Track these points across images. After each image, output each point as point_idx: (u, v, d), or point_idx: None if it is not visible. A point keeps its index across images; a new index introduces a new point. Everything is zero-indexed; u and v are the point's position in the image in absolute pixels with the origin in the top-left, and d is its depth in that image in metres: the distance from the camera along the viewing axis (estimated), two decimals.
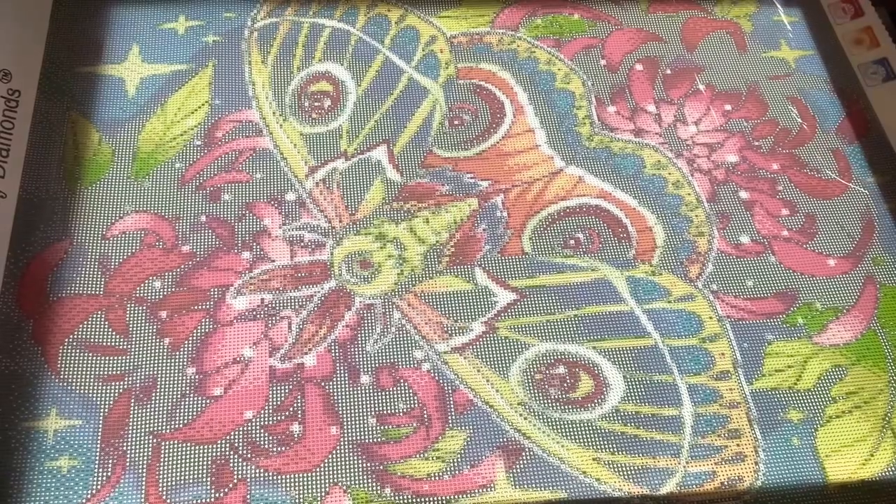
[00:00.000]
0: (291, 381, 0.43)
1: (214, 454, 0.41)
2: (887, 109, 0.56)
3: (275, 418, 0.42)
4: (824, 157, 0.54)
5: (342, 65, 0.55)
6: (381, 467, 0.41)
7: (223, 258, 0.46)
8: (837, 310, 0.48)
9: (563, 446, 0.42)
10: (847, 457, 0.44)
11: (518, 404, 0.43)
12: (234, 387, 0.42)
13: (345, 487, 0.40)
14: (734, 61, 0.58)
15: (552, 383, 0.44)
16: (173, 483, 0.40)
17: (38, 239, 0.45)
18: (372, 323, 0.45)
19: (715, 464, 0.43)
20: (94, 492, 0.39)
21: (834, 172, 0.54)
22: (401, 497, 0.40)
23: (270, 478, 0.40)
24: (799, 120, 0.56)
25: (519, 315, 0.46)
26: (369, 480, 0.41)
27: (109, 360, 0.42)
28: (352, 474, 0.41)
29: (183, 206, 0.48)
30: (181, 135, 0.50)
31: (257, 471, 0.40)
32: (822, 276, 0.50)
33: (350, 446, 0.41)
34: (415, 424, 0.42)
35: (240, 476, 0.40)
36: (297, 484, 0.40)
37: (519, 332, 0.46)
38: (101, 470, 0.40)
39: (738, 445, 0.43)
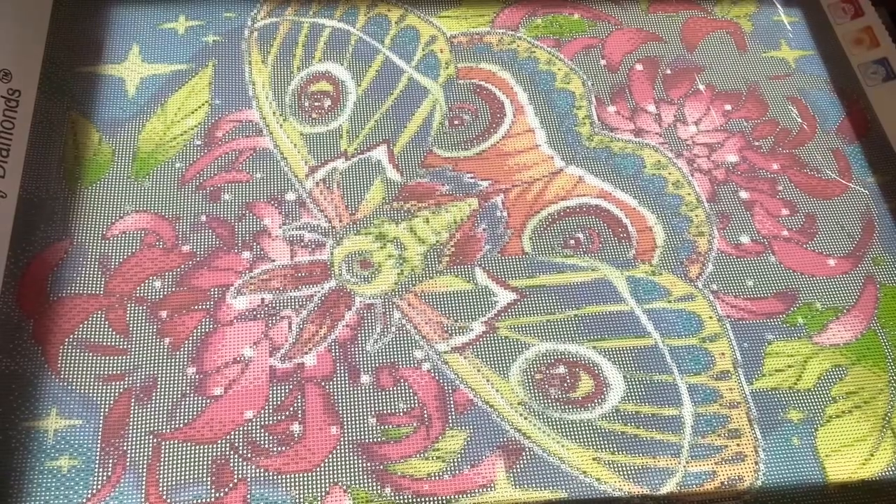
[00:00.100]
0: (292, 380, 0.43)
1: (215, 454, 0.41)
2: (887, 109, 0.56)
3: (275, 418, 0.42)
4: (824, 157, 0.54)
5: (342, 65, 0.55)
6: (382, 467, 0.41)
7: (223, 258, 0.46)
8: (837, 310, 0.48)
9: (563, 446, 0.42)
10: (847, 457, 0.44)
11: (518, 404, 0.43)
12: (234, 386, 0.42)
13: (345, 487, 0.40)
14: (734, 61, 0.58)
15: (552, 383, 0.44)
16: (173, 483, 0.40)
17: (39, 239, 0.45)
18: (372, 323, 0.45)
19: (715, 463, 0.43)
20: (94, 491, 0.39)
21: (834, 172, 0.54)
22: (401, 497, 0.40)
23: (270, 477, 0.40)
24: (799, 120, 0.56)
25: (519, 315, 0.46)
26: (369, 480, 0.41)
27: (109, 359, 0.42)
28: (352, 474, 0.41)
29: (183, 206, 0.48)
30: (181, 135, 0.50)
31: (257, 470, 0.40)
32: (822, 275, 0.50)
33: (350, 446, 0.41)
34: (415, 424, 0.42)
35: (240, 476, 0.40)
36: (297, 484, 0.40)
37: (519, 331, 0.46)
38: (101, 470, 0.40)
39: (738, 445, 0.43)
